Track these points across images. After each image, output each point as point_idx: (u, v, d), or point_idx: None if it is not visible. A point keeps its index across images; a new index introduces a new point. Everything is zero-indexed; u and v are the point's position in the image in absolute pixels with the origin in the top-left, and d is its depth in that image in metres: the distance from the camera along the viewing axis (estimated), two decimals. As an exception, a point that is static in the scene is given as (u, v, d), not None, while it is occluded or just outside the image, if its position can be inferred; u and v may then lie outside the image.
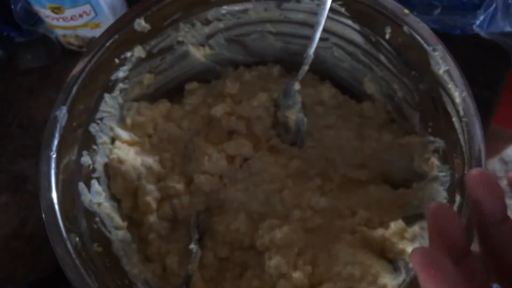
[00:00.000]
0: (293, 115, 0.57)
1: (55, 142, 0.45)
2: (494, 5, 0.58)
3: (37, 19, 0.67)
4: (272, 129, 0.59)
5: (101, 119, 0.52)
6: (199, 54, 0.58)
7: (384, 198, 0.53)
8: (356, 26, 0.51)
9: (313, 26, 0.55)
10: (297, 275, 0.48)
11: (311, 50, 0.51)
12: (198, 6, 0.53)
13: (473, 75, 0.46)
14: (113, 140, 0.55)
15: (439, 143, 0.48)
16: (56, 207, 0.43)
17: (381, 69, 0.53)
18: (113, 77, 0.52)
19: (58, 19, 0.62)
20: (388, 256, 0.49)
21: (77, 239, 0.43)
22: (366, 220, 0.52)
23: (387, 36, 0.49)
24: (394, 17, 0.48)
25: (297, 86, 0.55)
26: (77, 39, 0.67)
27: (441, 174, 0.47)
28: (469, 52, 0.66)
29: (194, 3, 0.52)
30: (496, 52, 0.64)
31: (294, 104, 0.56)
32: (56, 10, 0.60)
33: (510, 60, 0.63)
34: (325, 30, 0.54)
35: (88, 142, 0.51)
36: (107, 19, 0.63)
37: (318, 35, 0.50)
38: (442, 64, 0.45)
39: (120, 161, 0.54)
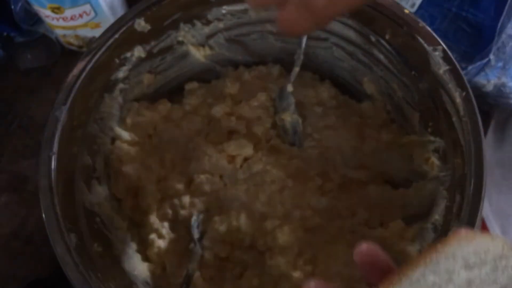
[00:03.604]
0: (288, 117, 0.57)
1: (55, 142, 0.45)
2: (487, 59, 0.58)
3: (37, 19, 0.67)
4: (272, 129, 0.59)
5: (101, 119, 0.52)
6: (199, 54, 0.58)
7: (384, 198, 0.53)
8: (356, 26, 0.51)
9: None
10: (297, 275, 0.48)
11: (301, 52, 0.51)
12: (198, 6, 0.53)
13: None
14: (113, 140, 0.55)
15: (439, 143, 0.48)
16: (56, 207, 0.43)
17: (381, 69, 0.53)
18: (113, 77, 0.52)
19: (58, 19, 0.62)
20: (388, 256, 0.49)
21: (77, 239, 0.43)
22: (366, 220, 0.52)
23: (387, 36, 0.49)
24: (394, 17, 0.48)
25: (289, 88, 0.55)
26: (77, 39, 0.67)
27: (441, 174, 0.47)
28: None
29: (194, 3, 0.52)
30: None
31: (288, 106, 0.57)
32: (56, 10, 0.60)
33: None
34: (325, 30, 0.54)
35: (89, 142, 0.51)
36: (107, 19, 0.63)
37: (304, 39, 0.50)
38: (442, 64, 0.45)
39: (120, 161, 0.54)
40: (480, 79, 0.59)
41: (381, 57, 0.52)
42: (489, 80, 0.59)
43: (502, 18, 0.58)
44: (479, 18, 0.60)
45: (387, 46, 0.50)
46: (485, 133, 0.54)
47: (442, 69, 0.45)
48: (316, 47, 0.58)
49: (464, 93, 0.44)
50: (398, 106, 0.54)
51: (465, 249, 0.25)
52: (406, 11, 0.48)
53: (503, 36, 0.58)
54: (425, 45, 0.46)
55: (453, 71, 0.45)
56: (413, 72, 0.49)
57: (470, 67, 0.59)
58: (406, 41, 0.48)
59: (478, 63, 0.59)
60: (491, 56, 0.58)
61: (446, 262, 0.25)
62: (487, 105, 0.62)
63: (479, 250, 0.25)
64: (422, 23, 0.47)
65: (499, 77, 0.58)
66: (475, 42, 0.60)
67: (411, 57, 0.49)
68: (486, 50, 0.59)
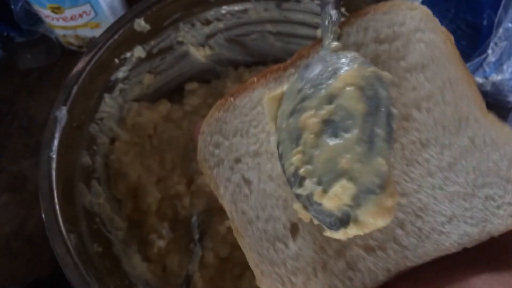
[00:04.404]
0: None
1: (55, 142, 0.45)
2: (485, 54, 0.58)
3: (37, 19, 0.67)
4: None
5: (101, 119, 0.52)
6: (199, 54, 0.58)
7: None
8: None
9: (313, 26, 0.55)
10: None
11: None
12: (198, 6, 0.53)
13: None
14: (113, 141, 0.55)
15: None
16: (56, 207, 0.43)
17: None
18: (113, 77, 0.52)
19: (58, 19, 0.62)
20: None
21: (77, 239, 0.43)
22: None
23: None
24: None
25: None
26: (77, 39, 0.67)
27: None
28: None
29: (194, 3, 0.52)
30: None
31: None
32: (56, 10, 0.60)
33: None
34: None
35: (88, 142, 0.51)
36: (107, 19, 0.63)
37: None
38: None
39: (120, 162, 0.54)
40: (478, 77, 0.59)
41: (381, 57, 0.52)
42: (487, 77, 0.58)
43: (499, 12, 0.57)
44: (477, 18, 0.60)
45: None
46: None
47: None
48: (316, 47, 0.57)
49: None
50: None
51: (379, 21, 0.24)
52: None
53: (501, 30, 0.57)
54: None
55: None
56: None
57: (468, 64, 0.59)
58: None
59: (477, 59, 0.58)
60: (489, 51, 0.58)
61: (357, 35, 0.24)
62: (485, 104, 0.62)
63: (394, 23, 0.24)
64: (422, 23, 0.47)
65: (497, 73, 0.58)
66: (473, 43, 0.60)
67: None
68: (484, 45, 0.59)
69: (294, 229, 0.25)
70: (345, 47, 0.24)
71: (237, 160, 0.27)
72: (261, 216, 0.26)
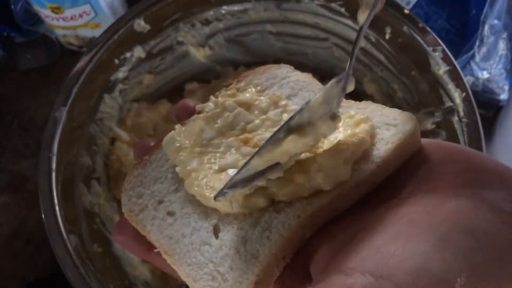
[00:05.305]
0: None
1: (55, 143, 0.45)
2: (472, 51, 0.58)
3: (37, 19, 0.67)
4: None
5: (101, 119, 0.52)
6: (199, 54, 0.58)
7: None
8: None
9: (313, 26, 0.55)
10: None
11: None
12: (198, 6, 0.53)
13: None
14: (113, 141, 0.55)
15: (439, 143, 0.48)
16: (56, 207, 0.43)
17: (381, 69, 0.53)
18: (112, 78, 0.52)
19: (58, 19, 0.62)
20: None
21: (77, 239, 0.43)
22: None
23: (387, 36, 0.49)
24: (394, 17, 0.48)
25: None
26: (77, 39, 0.67)
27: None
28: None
29: (194, 3, 0.52)
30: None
31: None
32: (56, 10, 0.60)
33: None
34: (325, 30, 0.54)
35: (88, 143, 0.51)
36: (107, 19, 0.63)
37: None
38: (442, 64, 0.45)
39: (120, 162, 0.54)
40: (468, 75, 0.59)
41: (381, 57, 0.52)
42: (475, 75, 0.58)
43: (485, 9, 0.58)
44: (467, 16, 0.61)
45: (387, 46, 0.50)
46: (485, 133, 0.54)
47: (442, 69, 0.45)
48: (316, 47, 0.57)
49: (464, 94, 0.44)
50: (398, 106, 0.54)
51: (258, 77, 0.35)
52: (406, 11, 0.48)
53: (486, 27, 0.58)
54: (425, 45, 0.46)
55: (453, 72, 0.45)
56: (413, 72, 0.49)
57: (457, 61, 0.59)
58: (406, 41, 0.48)
59: (464, 56, 0.59)
60: (476, 49, 0.58)
61: (246, 87, 0.35)
62: (476, 103, 0.62)
63: (269, 77, 0.35)
64: (422, 23, 0.47)
65: (483, 70, 0.58)
66: (466, 42, 0.60)
67: (411, 57, 0.49)
68: (471, 42, 0.59)
69: (216, 229, 0.29)
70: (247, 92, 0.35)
71: (160, 202, 0.31)
72: (186, 232, 0.29)
